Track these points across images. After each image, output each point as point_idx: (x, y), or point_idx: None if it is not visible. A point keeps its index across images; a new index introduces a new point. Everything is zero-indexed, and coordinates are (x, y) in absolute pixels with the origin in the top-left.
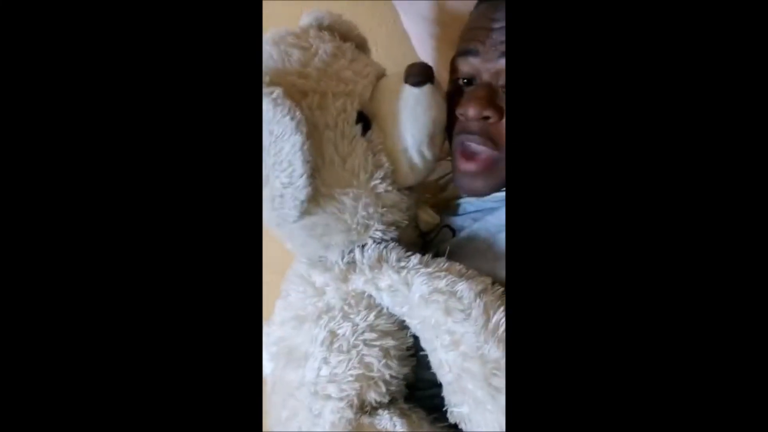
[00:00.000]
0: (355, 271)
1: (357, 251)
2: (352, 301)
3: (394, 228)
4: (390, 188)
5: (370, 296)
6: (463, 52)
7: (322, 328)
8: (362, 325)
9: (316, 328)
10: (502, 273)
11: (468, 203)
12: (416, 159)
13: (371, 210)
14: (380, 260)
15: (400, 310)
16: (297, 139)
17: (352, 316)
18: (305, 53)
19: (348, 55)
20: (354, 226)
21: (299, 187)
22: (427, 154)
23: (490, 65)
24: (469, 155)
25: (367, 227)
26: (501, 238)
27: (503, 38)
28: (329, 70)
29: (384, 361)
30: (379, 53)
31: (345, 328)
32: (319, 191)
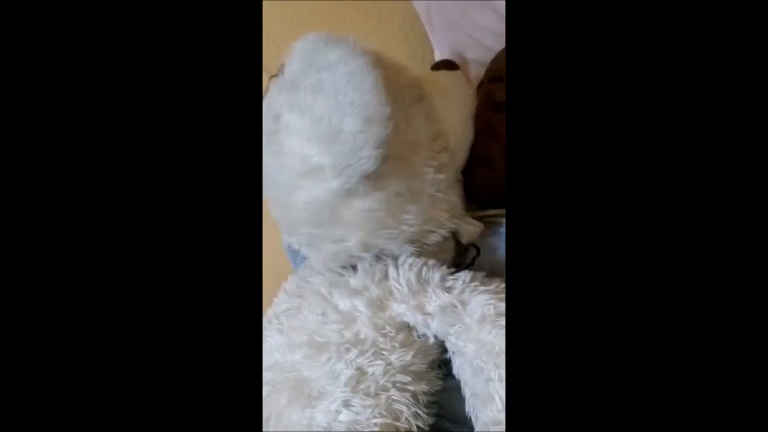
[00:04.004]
0: (393, 296)
1: (391, 269)
2: (391, 333)
3: (454, 224)
4: (448, 162)
5: (408, 328)
6: (499, 78)
7: (348, 363)
8: (396, 364)
9: (340, 362)
10: None
11: (499, 224)
12: (460, 138)
13: (438, 177)
14: (420, 281)
15: (450, 330)
16: (377, 74)
17: (386, 353)
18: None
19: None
20: (425, 192)
21: (379, 121)
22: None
23: None
24: (489, 165)
25: (434, 201)
26: None
27: None
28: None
29: (413, 409)
30: None
31: (376, 367)
32: (387, 156)
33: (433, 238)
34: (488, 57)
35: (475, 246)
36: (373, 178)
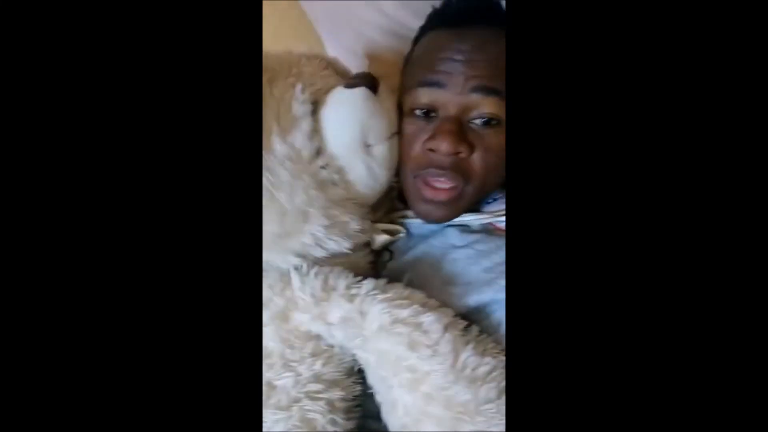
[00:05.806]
0: (297, 306)
1: (295, 279)
2: (296, 343)
3: (342, 239)
4: (337, 180)
5: (316, 338)
6: (425, 83)
7: None
8: (306, 375)
9: None
10: (452, 300)
11: (409, 225)
12: (350, 166)
13: (312, 193)
14: (326, 289)
15: (352, 343)
16: None
17: (294, 365)
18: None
19: (314, 64)
20: (291, 209)
21: None
22: (354, 166)
23: (458, 98)
24: (437, 186)
25: (306, 216)
26: (449, 260)
27: (474, 72)
28: (286, 58)
29: (330, 416)
30: None
31: (285, 380)
32: None
33: (319, 254)
34: (381, 52)
35: (388, 250)
36: None
